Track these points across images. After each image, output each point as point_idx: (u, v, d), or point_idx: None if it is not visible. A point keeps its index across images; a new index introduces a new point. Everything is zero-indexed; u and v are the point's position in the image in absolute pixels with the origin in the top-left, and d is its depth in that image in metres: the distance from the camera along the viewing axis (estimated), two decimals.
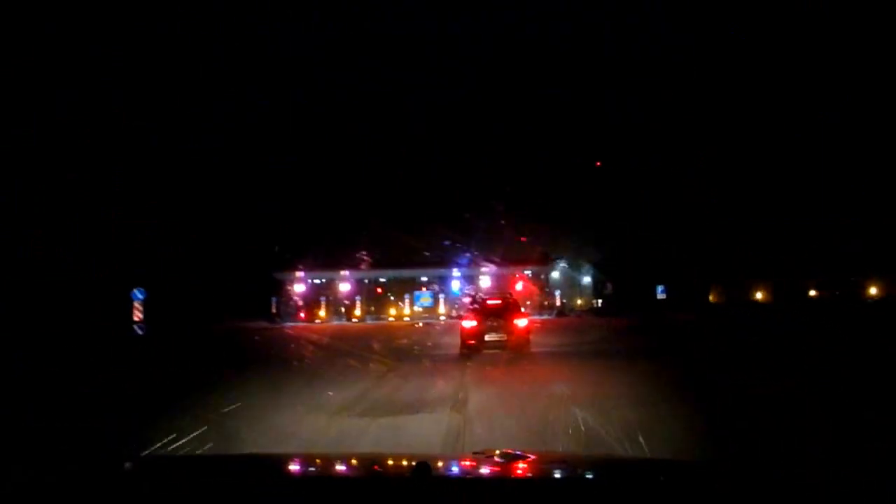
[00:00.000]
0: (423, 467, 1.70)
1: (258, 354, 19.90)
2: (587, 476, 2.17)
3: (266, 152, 67.12)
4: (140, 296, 22.76)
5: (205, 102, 61.06)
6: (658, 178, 56.76)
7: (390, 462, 2.59)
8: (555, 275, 68.17)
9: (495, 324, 13.10)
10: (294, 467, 2.49)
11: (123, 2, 59.90)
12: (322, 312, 60.05)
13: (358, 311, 60.06)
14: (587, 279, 68.77)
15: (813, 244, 44.53)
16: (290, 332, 39.24)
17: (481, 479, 2.11)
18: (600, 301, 79.96)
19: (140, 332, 22.50)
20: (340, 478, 2.22)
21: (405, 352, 18.39)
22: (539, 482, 2.03)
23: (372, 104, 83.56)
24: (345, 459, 2.81)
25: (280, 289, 63.17)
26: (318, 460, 2.82)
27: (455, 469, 2.40)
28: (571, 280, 69.16)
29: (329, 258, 62.39)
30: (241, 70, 72.41)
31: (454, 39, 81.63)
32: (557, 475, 2.12)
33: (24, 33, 36.05)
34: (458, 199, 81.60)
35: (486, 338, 12.96)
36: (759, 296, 53.64)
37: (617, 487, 1.88)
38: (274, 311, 60.27)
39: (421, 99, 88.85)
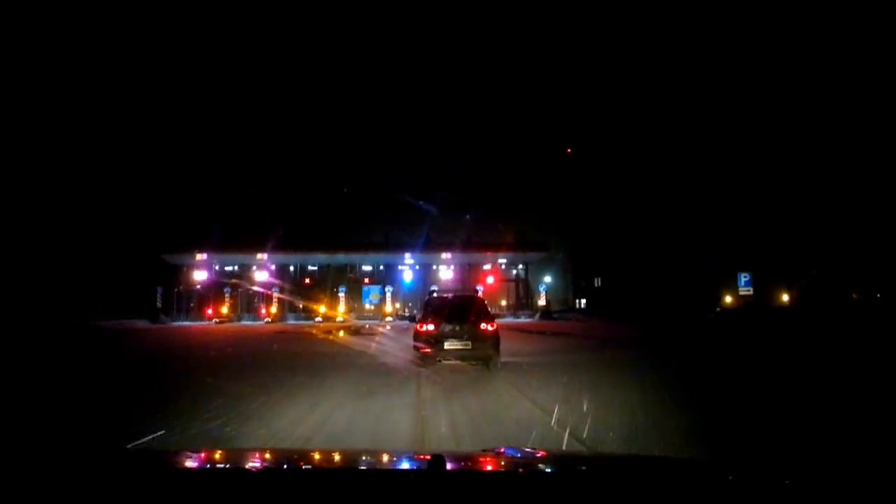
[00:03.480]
0: (438, 460, 1.70)
1: None
2: (601, 473, 2.13)
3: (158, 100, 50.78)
4: None
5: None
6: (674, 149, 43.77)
7: (404, 456, 2.59)
8: (511, 274, 54.07)
9: (457, 328, 10.52)
10: (305, 459, 2.56)
11: None
12: (224, 309, 43.94)
13: (274, 308, 44.26)
14: (547, 278, 53.83)
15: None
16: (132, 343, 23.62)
17: (495, 472, 2.12)
18: (583, 301, 67.09)
19: None
20: (354, 469, 2.18)
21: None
22: (552, 477, 2.03)
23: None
24: (359, 453, 2.91)
25: (173, 276, 46.95)
26: (327, 454, 2.79)
27: (468, 463, 2.26)
28: (538, 276, 55.11)
29: (243, 237, 46.61)
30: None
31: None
32: (570, 471, 2.17)
33: None
34: (411, 166, 67.48)
35: (446, 345, 10.38)
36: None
37: (626, 483, 1.86)
38: (159, 305, 44.04)
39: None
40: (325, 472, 2.12)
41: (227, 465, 2.27)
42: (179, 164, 46.14)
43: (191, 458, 2.33)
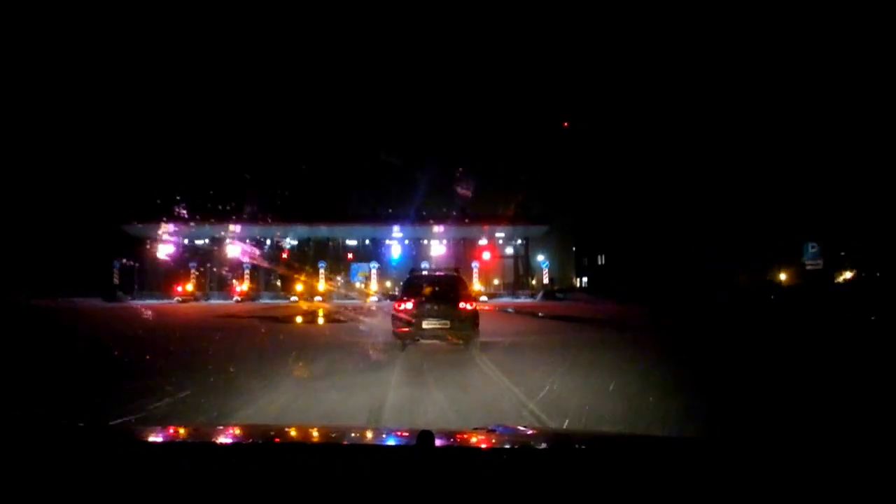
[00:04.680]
0: (426, 436, 1.64)
1: None
2: (594, 450, 2.06)
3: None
4: None
5: None
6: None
7: (392, 433, 2.51)
8: (509, 250, 49.47)
9: (436, 307, 10.68)
10: (288, 435, 2.36)
11: None
12: (189, 286, 39.29)
13: (245, 286, 39.65)
14: (541, 256, 49.16)
15: None
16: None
17: (486, 448, 2.04)
18: (584, 279, 62.96)
19: None
20: (342, 446, 2.09)
21: None
22: (545, 454, 1.97)
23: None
24: (345, 430, 2.80)
25: (136, 250, 42.21)
26: (311, 431, 2.57)
27: (458, 440, 2.17)
28: (536, 253, 50.55)
29: (214, 207, 41.78)
30: None
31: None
32: (563, 448, 2.09)
33: None
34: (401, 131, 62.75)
35: (424, 325, 10.54)
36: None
37: (620, 459, 1.83)
38: (116, 281, 39.37)
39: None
40: (309, 447, 2.05)
41: (218, 441, 2.13)
42: (142, 126, 41.16)
43: (170, 433, 2.21)
